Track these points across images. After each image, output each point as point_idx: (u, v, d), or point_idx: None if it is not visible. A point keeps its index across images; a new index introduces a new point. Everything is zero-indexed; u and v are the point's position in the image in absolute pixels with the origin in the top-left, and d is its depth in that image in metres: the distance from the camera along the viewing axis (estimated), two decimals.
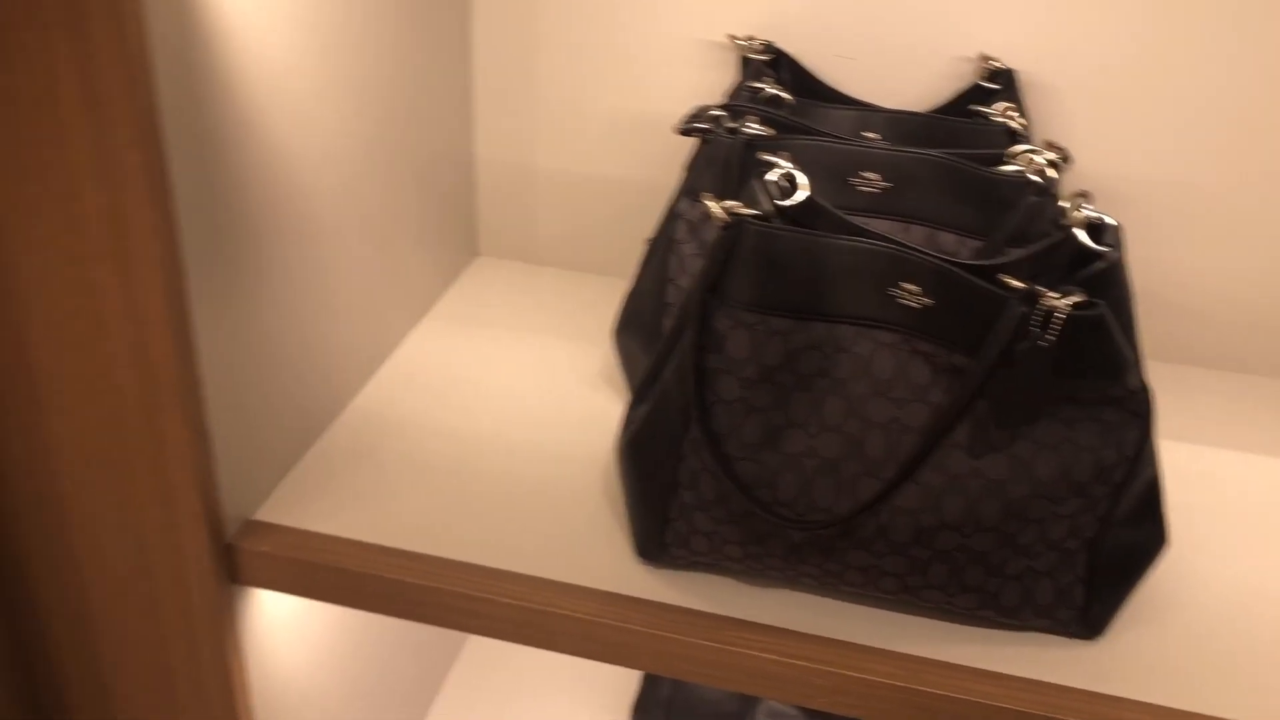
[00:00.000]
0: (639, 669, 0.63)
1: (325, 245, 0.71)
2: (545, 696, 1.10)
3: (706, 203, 0.57)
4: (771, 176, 0.59)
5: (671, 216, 0.74)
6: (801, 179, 0.58)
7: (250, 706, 0.71)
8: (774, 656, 0.60)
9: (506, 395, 0.80)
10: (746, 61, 0.82)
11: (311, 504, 0.68)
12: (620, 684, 1.11)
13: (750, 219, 0.56)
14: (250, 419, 0.66)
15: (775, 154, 0.60)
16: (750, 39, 0.83)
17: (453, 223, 0.94)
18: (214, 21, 0.57)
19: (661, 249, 0.75)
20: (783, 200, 0.58)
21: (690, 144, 0.76)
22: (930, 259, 0.56)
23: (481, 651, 1.15)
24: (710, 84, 0.88)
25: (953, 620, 0.63)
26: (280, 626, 0.74)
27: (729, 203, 0.56)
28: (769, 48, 0.83)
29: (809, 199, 0.57)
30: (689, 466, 0.60)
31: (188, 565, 0.65)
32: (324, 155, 0.69)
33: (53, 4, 0.51)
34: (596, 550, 0.66)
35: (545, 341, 0.88)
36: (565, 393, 0.81)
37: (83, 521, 0.65)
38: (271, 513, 0.68)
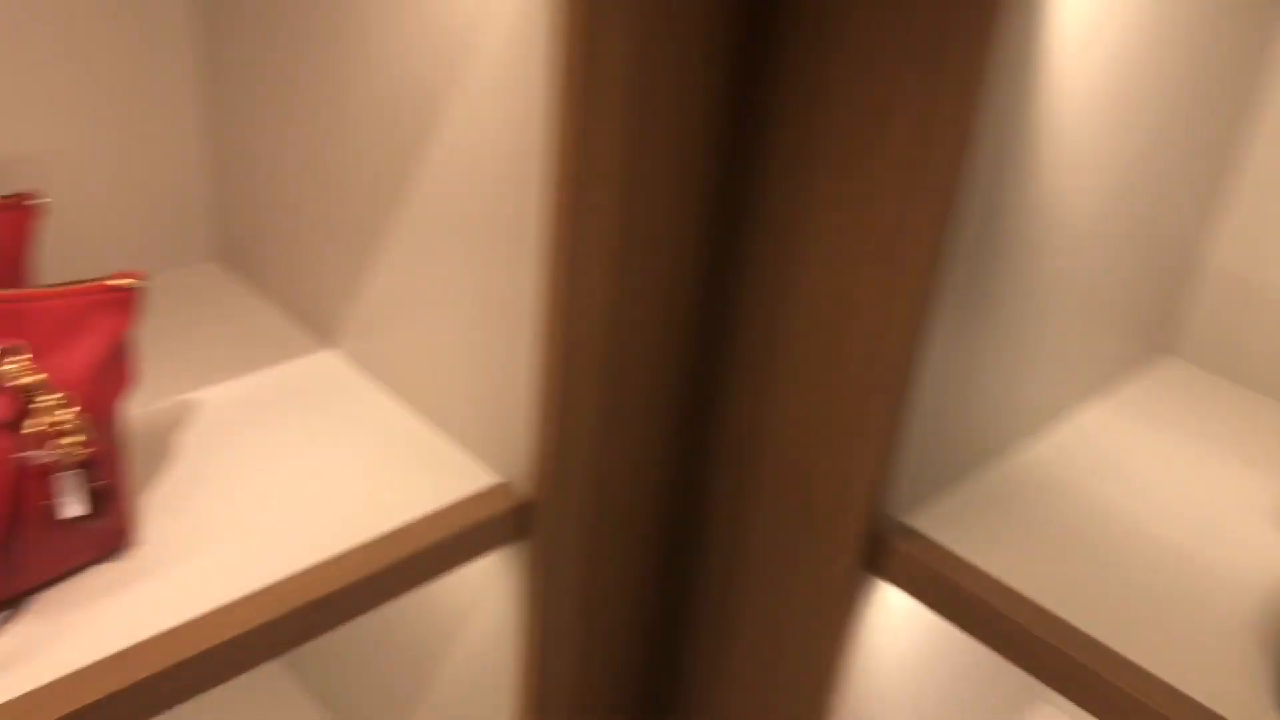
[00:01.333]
0: None
1: (1040, 294, 0.75)
2: None
3: None
4: None
5: None
6: None
7: (843, 684, 0.78)
8: None
9: (1170, 495, 0.78)
10: None
11: (961, 526, 0.73)
12: None
13: None
14: (937, 430, 0.71)
15: None
16: None
17: (1153, 311, 0.92)
18: (1042, 63, 0.62)
19: None
20: None
21: None
22: None
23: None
24: None
25: None
26: (889, 626, 0.79)
27: None
28: None
29: None
30: None
31: (839, 538, 0.73)
32: (1078, 209, 0.73)
33: (921, 37, 0.59)
34: (1233, 680, 0.63)
35: (1225, 458, 0.84)
36: (1235, 514, 0.77)
37: (775, 471, 0.76)
38: (923, 521, 0.73)
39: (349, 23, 0.73)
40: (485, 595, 0.80)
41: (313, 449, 0.75)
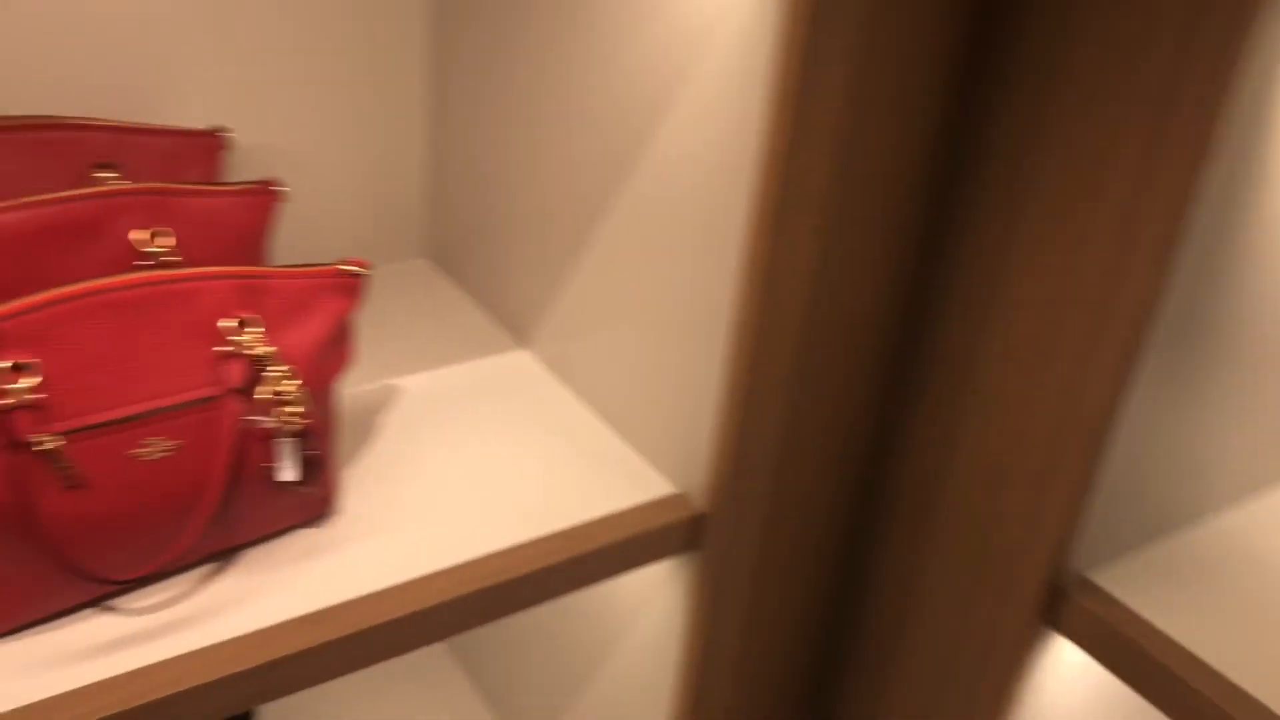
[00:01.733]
0: None
1: (1256, 356, 0.71)
2: None
3: None
4: None
5: None
6: None
7: None
8: None
9: None
10: None
11: (1149, 589, 0.70)
12: None
13: None
14: (1131, 487, 0.69)
15: None
16: None
17: None
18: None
19: None
20: None
21: None
22: None
23: None
24: None
25: None
26: (1062, 680, 0.77)
27: None
28: None
29: None
30: None
31: (1018, 587, 0.71)
32: None
33: (1153, 80, 0.57)
34: None
35: None
36: None
37: (955, 511, 0.74)
38: (1107, 578, 0.70)
39: (578, 30, 0.76)
40: (651, 603, 0.82)
41: (501, 443, 0.78)
